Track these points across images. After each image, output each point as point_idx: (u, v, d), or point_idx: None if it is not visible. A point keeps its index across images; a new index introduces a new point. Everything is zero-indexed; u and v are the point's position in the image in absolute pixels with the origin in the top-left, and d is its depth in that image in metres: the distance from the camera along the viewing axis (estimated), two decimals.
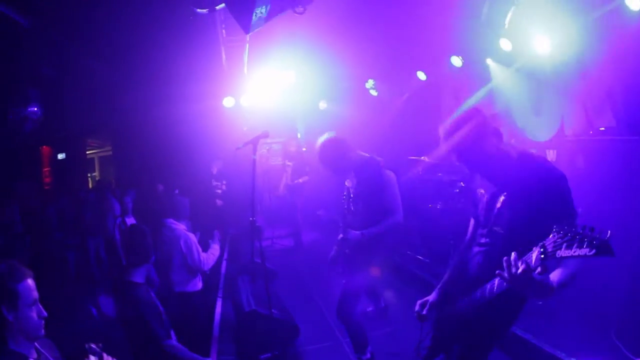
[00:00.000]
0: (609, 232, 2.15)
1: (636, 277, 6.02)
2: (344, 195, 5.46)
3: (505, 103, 9.32)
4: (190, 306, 6.80)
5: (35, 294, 2.70)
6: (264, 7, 5.89)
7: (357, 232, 5.38)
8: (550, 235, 2.41)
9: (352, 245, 5.52)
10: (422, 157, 10.01)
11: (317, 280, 9.30)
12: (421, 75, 11.07)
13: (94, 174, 19.44)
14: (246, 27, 6.16)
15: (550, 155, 7.96)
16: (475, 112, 3.38)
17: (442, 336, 3.60)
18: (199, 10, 6.29)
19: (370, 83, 12.44)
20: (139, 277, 4.99)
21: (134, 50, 8.29)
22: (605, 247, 2.14)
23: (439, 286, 3.70)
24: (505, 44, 8.03)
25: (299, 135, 14.31)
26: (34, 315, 2.67)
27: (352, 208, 5.48)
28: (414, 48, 9.95)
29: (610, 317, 6.01)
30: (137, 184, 10.89)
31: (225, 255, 9.35)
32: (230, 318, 7.00)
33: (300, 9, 6.26)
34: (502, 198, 3.28)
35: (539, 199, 3.09)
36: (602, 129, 6.83)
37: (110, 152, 17.59)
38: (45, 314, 2.75)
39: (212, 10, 6.34)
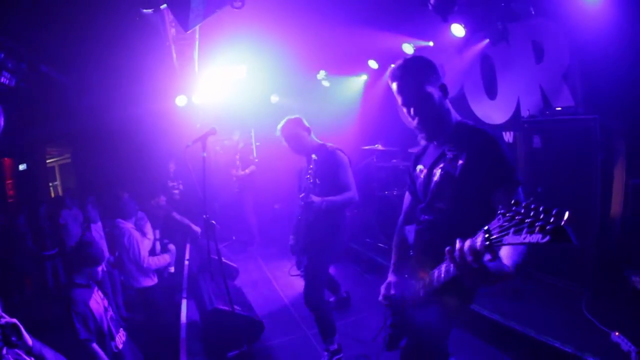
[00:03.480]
0: (567, 213, 1.79)
1: (601, 250, 6.18)
2: (309, 171, 5.49)
3: (459, 88, 9.37)
4: (150, 301, 7.28)
5: None
6: (200, 5, 5.85)
7: (318, 198, 5.46)
8: (496, 218, 2.12)
9: (313, 210, 5.58)
10: (376, 145, 10.05)
11: (279, 273, 9.31)
12: (373, 64, 11.09)
13: (55, 182, 19.14)
14: (185, 25, 6.15)
15: (507, 137, 8.07)
16: (421, 57, 3.29)
17: (401, 320, 3.50)
18: (144, 10, 6.23)
19: (322, 74, 12.42)
20: (80, 278, 5.03)
21: (85, 54, 8.17)
22: (560, 233, 1.80)
23: (391, 268, 3.65)
24: (456, 30, 8.07)
25: (252, 132, 14.25)
26: None
27: (317, 181, 5.51)
28: (365, 37, 9.96)
29: (576, 292, 6.19)
30: (97, 189, 10.77)
31: (187, 256, 9.30)
32: (196, 318, 6.98)
33: (238, 4, 6.20)
34: (438, 171, 3.17)
35: (479, 163, 2.93)
36: (559, 108, 6.87)
37: (70, 160, 17.34)
38: None
39: (157, 10, 6.28)
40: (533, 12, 6.96)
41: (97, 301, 5.03)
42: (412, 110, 3.20)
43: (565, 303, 6.09)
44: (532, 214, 1.91)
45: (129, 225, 7.35)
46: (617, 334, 4.88)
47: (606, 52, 6.01)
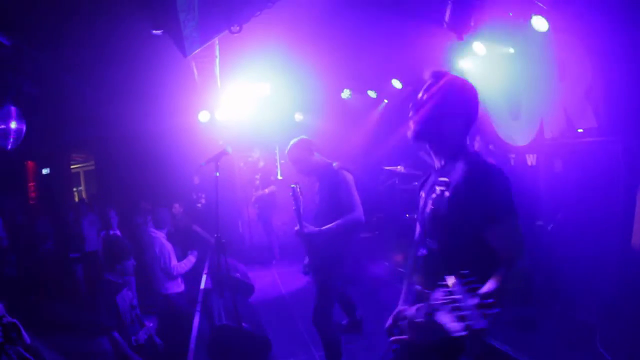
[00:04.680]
0: (487, 320, 1.81)
1: (619, 281, 6.00)
2: (292, 196, 5.52)
3: (482, 109, 9.29)
4: (175, 306, 7.54)
5: None
6: (194, 32, 5.92)
7: (313, 228, 5.47)
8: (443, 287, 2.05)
9: (307, 240, 5.59)
10: (398, 167, 10.00)
11: (293, 293, 9.28)
12: (396, 84, 11.05)
13: (80, 188, 19.46)
14: (183, 52, 6.25)
15: (530, 160, 7.96)
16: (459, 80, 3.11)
17: (404, 352, 3.37)
18: (154, 31, 6.34)
19: (346, 93, 12.43)
20: (112, 275, 5.48)
21: (111, 68, 8.34)
22: (474, 337, 1.80)
23: (401, 297, 3.51)
24: (478, 48, 8.02)
25: (276, 149, 14.27)
26: None
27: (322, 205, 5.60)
28: (390, 57, 9.94)
29: (592, 325, 5.96)
30: (119, 198, 10.89)
31: (206, 269, 9.30)
32: (207, 332, 6.96)
33: (236, 29, 6.25)
34: (430, 202, 2.96)
35: (467, 198, 2.70)
36: (581, 130, 6.82)
37: (94, 167, 17.62)
38: None
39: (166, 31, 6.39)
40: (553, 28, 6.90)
41: (124, 298, 5.19)
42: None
43: (580, 336, 5.90)
44: (470, 301, 1.87)
45: (160, 235, 7.58)
46: None
47: (629, 70, 5.90)
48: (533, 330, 6.22)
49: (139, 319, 5.67)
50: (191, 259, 7.82)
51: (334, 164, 5.79)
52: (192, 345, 6.39)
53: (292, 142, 5.92)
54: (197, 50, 6.60)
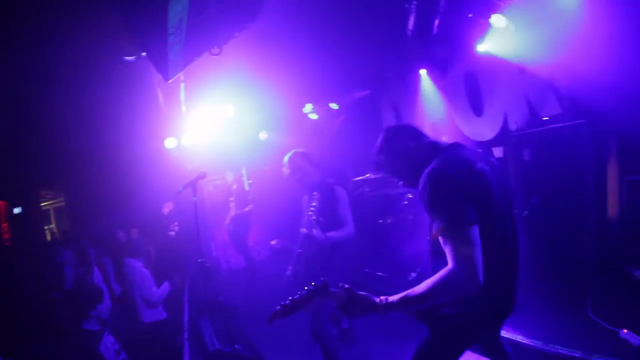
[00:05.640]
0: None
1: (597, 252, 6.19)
2: (311, 207, 5.54)
3: (445, 109, 9.45)
4: (159, 337, 7.20)
5: None
6: (179, 55, 5.93)
7: (321, 233, 5.48)
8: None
9: (315, 245, 5.59)
10: (367, 175, 10.07)
11: (278, 308, 9.24)
12: (358, 93, 11.18)
13: (50, 226, 19.09)
14: (165, 75, 6.26)
15: (497, 153, 8.11)
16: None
17: None
18: (127, 58, 6.32)
19: (308, 107, 12.50)
20: (88, 324, 5.08)
21: (75, 99, 8.26)
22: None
23: None
24: (438, 52, 8.19)
25: (243, 170, 14.27)
26: None
27: (319, 219, 5.56)
28: (349, 66, 10.04)
29: (581, 296, 6.12)
30: (90, 232, 10.73)
31: (186, 297, 9.23)
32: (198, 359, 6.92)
33: (216, 50, 6.31)
34: None
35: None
36: (546, 118, 6.97)
37: (64, 203, 17.34)
38: None
39: (139, 57, 6.37)
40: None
41: (107, 345, 5.06)
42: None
43: (570, 308, 6.07)
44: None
45: (138, 264, 7.42)
46: (625, 331, 4.90)
47: (590, 54, 6.07)
48: (522, 312, 6.32)
49: None
50: (166, 286, 7.62)
51: (328, 180, 5.97)
52: None
53: (292, 152, 6.00)
54: (178, 74, 6.61)
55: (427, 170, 3.03)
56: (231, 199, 12.30)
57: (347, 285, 2.99)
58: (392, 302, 2.88)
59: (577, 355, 4.96)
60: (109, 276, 8.04)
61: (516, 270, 3.28)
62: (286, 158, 5.94)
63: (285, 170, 6.00)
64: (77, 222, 14.46)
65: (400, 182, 3.61)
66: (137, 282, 7.19)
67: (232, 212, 12.14)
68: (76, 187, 13.81)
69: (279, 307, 3.22)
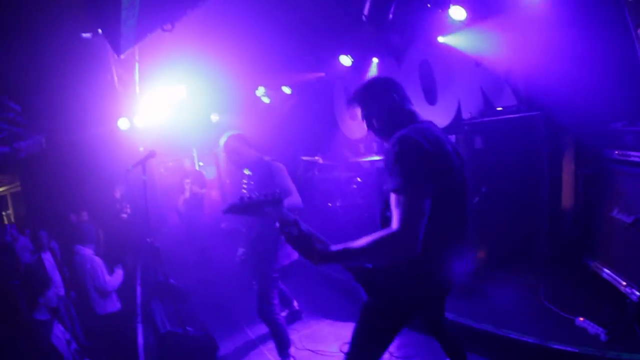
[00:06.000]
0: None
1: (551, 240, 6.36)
2: (244, 183, 5.56)
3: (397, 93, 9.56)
4: (113, 327, 7.10)
5: None
6: (131, 31, 5.90)
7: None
8: None
9: (257, 224, 5.68)
10: (316, 157, 10.12)
11: (229, 291, 9.26)
12: (310, 77, 11.21)
13: (8, 211, 18.68)
14: (117, 49, 6.21)
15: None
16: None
17: None
18: (84, 35, 6.26)
19: (261, 90, 12.49)
20: (39, 314, 4.97)
21: (28, 79, 8.09)
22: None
23: None
24: (394, 39, 8.27)
25: (194, 152, 14.19)
26: None
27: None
28: (302, 51, 10.07)
29: (534, 283, 6.24)
30: (48, 216, 10.56)
31: (138, 280, 9.19)
32: (153, 342, 6.90)
33: (169, 27, 6.28)
34: None
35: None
36: (500, 108, 7.05)
37: (20, 188, 16.94)
38: None
39: (96, 34, 6.30)
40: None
41: (58, 335, 4.97)
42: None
43: (523, 296, 6.12)
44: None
45: (89, 252, 7.23)
46: (581, 319, 5.01)
47: (547, 48, 6.22)
48: (476, 296, 6.42)
49: (78, 354, 5.47)
50: (119, 273, 7.51)
51: (265, 157, 5.92)
52: (141, 357, 6.34)
53: (227, 135, 5.98)
54: (129, 50, 6.55)
55: (401, 132, 3.06)
56: (187, 180, 12.25)
57: (294, 217, 3.08)
58: (328, 252, 2.96)
59: (531, 341, 5.03)
60: (57, 262, 7.90)
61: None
62: (221, 142, 5.95)
63: (222, 154, 5.99)
64: (33, 207, 14.18)
65: (370, 129, 3.59)
66: (89, 271, 7.03)
67: (187, 194, 12.09)
68: (32, 170, 13.54)
69: (235, 202, 3.14)
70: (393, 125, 3.31)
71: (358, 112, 3.58)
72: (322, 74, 11.35)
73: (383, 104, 3.46)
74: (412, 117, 3.41)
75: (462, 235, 3.35)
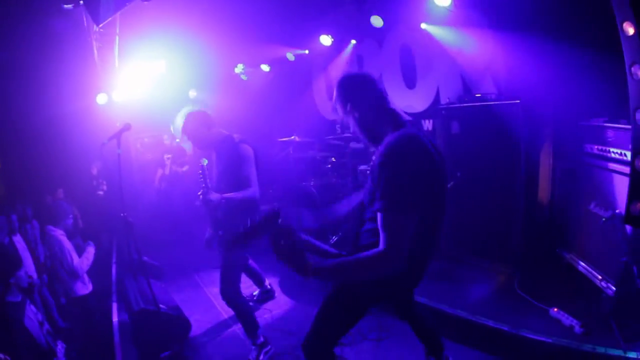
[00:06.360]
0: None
1: (530, 231, 6.41)
2: (200, 172, 5.40)
3: (378, 78, 9.57)
4: (86, 310, 6.98)
5: None
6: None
7: (217, 195, 5.36)
8: None
9: (213, 208, 5.54)
10: (292, 137, 10.08)
11: (202, 270, 9.24)
12: (290, 56, 11.16)
13: None
14: (96, 18, 6.15)
15: (427, 125, 8.26)
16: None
17: None
18: (65, 5, 6.17)
19: (239, 68, 12.41)
20: (10, 296, 4.91)
21: (7, 54, 7.97)
22: None
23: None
24: (376, 21, 8.24)
25: (171, 128, 14.07)
26: None
27: (210, 184, 5.42)
28: (282, 29, 10.01)
29: (509, 272, 6.37)
30: (27, 195, 10.43)
31: (114, 259, 9.13)
32: (127, 320, 6.87)
33: None
34: None
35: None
36: (478, 95, 7.07)
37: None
38: None
39: (77, 5, 6.22)
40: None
41: (31, 317, 4.91)
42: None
43: (498, 284, 6.22)
44: None
45: (59, 233, 6.99)
46: (555, 310, 5.06)
47: (529, 39, 6.21)
48: (450, 281, 6.54)
49: (51, 335, 5.39)
50: (90, 251, 7.23)
51: (235, 136, 5.77)
52: (116, 337, 6.31)
53: (184, 114, 5.85)
54: (108, 19, 6.48)
55: (390, 142, 2.99)
56: (167, 156, 12.14)
57: (291, 227, 3.03)
58: (320, 268, 2.95)
59: (504, 328, 5.10)
60: (36, 241, 7.78)
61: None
62: (178, 122, 5.82)
63: (181, 136, 5.88)
64: (14, 186, 14.01)
65: (353, 130, 3.48)
66: (57, 253, 6.85)
67: (167, 170, 11.99)
68: (10, 147, 13.35)
69: (240, 233, 3.14)
70: (377, 127, 3.29)
71: (339, 110, 3.47)
72: (306, 51, 11.27)
73: (364, 102, 3.36)
74: (396, 117, 3.35)
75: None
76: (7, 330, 4.57)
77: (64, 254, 6.80)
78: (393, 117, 3.33)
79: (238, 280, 5.86)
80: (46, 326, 5.04)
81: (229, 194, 5.43)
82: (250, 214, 5.64)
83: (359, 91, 3.38)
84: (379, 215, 2.89)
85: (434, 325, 4.32)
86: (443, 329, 4.67)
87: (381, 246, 2.82)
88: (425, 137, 3.19)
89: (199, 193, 5.37)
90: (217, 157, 5.78)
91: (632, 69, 3.82)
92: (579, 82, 5.70)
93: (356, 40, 10.11)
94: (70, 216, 7.25)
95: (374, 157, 3.09)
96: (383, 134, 3.23)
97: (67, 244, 6.93)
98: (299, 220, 9.07)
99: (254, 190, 5.58)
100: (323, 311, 3.57)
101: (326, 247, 3.39)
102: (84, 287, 6.97)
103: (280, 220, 3.02)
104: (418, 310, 4.22)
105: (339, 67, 10.78)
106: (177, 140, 13.69)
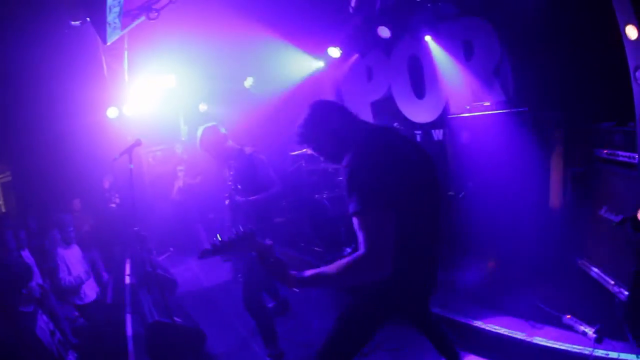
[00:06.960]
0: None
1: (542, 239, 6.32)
2: (230, 178, 5.68)
3: (386, 89, 9.57)
4: (95, 317, 7.20)
5: None
6: (116, 18, 5.90)
7: (242, 198, 5.64)
8: None
9: (241, 212, 5.73)
10: (304, 149, 10.10)
11: (217, 283, 9.26)
12: (300, 68, 11.22)
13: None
14: (103, 38, 6.21)
15: (437, 135, 8.26)
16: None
17: None
18: (73, 22, 6.24)
19: (249, 81, 12.44)
20: (24, 306, 4.96)
21: (17, 68, 8.05)
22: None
23: None
24: (383, 31, 8.27)
25: (182, 139, 14.09)
26: None
27: (238, 187, 5.74)
28: (293, 41, 10.06)
29: (525, 282, 6.27)
30: (39, 208, 10.47)
31: (128, 271, 9.17)
32: (141, 332, 6.90)
33: (154, 15, 6.31)
34: None
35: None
36: (487, 103, 7.05)
37: (11, 178, 16.70)
38: None
39: (84, 22, 6.29)
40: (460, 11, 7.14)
41: (42, 326, 4.95)
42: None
43: (508, 292, 6.15)
44: None
45: (59, 249, 7.24)
46: (569, 317, 5.05)
47: (537, 43, 6.24)
48: (462, 293, 6.48)
49: (62, 345, 5.45)
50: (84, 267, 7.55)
51: (246, 149, 5.98)
52: (130, 347, 6.34)
53: (202, 129, 5.99)
54: (115, 38, 6.55)
55: (352, 152, 3.07)
56: (180, 168, 12.19)
57: (270, 242, 3.16)
58: (302, 278, 3.06)
59: (519, 337, 5.12)
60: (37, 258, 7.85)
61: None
62: (199, 134, 5.95)
63: (200, 149, 6.01)
64: (23, 198, 14.03)
65: (322, 158, 3.60)
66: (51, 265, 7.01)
67: (180, 183, 12.05)
68: (23, 160, 13.40)
69: (208, 246, 3.18)
70: (343, 146, 3.28)
71: (308, 148, 3.55)
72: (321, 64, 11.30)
73: (327, 132, 3.41)
74: (362, 129, 3.39)
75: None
76: (20, 339, 4.60)
77: (56, 270, 7.03)
78: (361, 131, 3.36)
79: (260, 291, 5.98)
80: (57, 336, 5.08)
81: (253, 198, 5.68)
82: (265, 221, 5.78)
83: (319, 123, 3.44)
84: (354, 219, 2.94)
85: (450, 336, 4.33)
86: (454, 338, 4.56)
87: (360, 248, 2.86)
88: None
89: (226, 201, 5.66)
90: (234, 169, 5.95)
91: (637, 73, 3.82)
92: (588, 86, 5.71)
93: (364, 51, 10.14)
94: (71, 229, 7.34)
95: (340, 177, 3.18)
96: (343, 153, 3.24)
97: (60, 260, 7.17)
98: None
99: (277, 187, 5.85)
100: (334, 329, 3.57)
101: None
102: (86, 297, 7.05)
103: (257, 240, 3.16)
104: (435, 322, 4.22)
105: (348, 78, 10.82)
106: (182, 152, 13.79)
